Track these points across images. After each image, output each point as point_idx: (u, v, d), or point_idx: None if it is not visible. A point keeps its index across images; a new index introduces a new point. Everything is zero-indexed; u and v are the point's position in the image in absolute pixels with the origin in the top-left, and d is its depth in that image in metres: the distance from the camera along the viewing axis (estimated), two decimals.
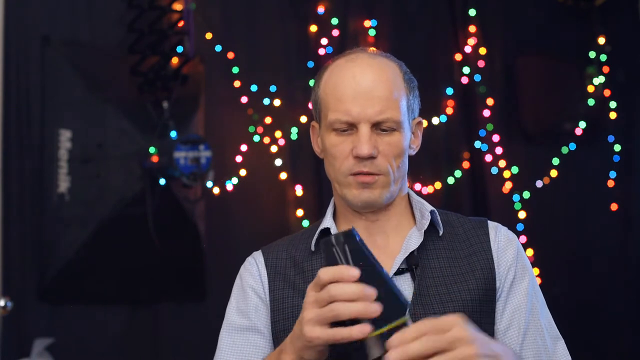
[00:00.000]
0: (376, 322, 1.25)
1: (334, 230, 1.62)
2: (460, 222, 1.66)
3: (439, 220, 1.62)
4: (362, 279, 1.25)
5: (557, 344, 1.59)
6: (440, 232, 1.61)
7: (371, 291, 1.23)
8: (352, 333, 1.24)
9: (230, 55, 3.83)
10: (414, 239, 1.60)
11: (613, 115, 4.38)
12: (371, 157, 1.53)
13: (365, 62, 1.59)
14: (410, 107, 1.61)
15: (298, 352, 1.35)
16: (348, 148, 1.55)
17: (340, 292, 1.24)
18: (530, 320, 1.57)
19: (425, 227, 1.60)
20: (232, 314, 1.64)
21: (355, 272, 1.24)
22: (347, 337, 1.25)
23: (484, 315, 1.54)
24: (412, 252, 1.58)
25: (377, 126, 1.55)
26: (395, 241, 1.61)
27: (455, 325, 1.23)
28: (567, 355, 1.59)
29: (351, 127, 1.55)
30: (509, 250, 1.61)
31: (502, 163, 4.17)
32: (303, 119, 3.90)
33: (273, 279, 1.62)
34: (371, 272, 1.26)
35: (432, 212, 1.62)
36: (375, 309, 1.23)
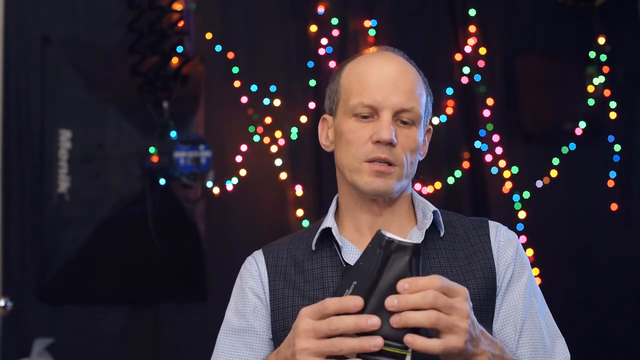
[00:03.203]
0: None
1: (335, 230, 1.61)
2: (461, 222, 1.66)
3: (441, 221, 1.62)
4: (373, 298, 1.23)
5: (556, 342, 1.59)
6: (442, 233, 1.61)
7: (374, 321, 1.22)
8: None
9: (230, 55, 3.83)
10: (414, 238, 1.59)
11: (613, 115, 4.38)
12: (390, 144, 1.54)
13: (392, 56, 1.62)
14: (427, 109, 1.63)
15: None
16: (367, 134, 1.55)
17: (342, 325, 1.23)
18: (527, 318, 1.57)
19: (427, 226, 1.60)
20: (231, 314, 1.64)
21: (359, 301, 1.22)
22: None
23: (484, 315, 1.54)
24: None
25: (398, 117, 1.56)
26: None
27: (461, 296, 1.27)
28: (566, 353, 1.58)
29: (372, 114, 1.55)
30: (508, 249, 1.61)
31: (502, 163, 4.17)
32: (303, 119, 3.90)
33: (273, 278, 1.62)
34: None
35: (434, 213, 1.62)
36: (378, 343, 1.22)
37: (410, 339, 1.22)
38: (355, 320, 1.21)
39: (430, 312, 1.22)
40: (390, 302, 1.22)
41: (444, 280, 1.25)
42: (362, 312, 1.22)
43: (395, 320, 1.22)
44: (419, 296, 1.22)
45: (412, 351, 1.24)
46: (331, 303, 1.24)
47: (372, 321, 1.21)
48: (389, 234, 1.25)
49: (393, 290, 1.23)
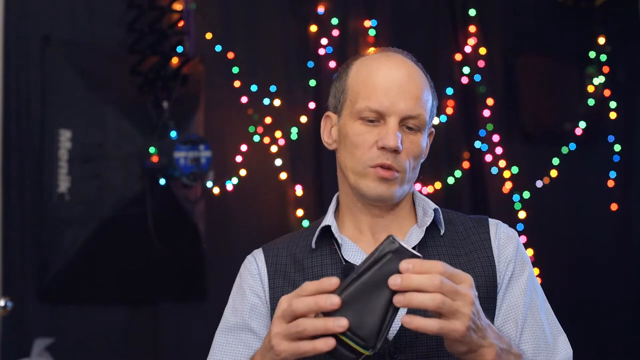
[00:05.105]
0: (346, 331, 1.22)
1: (335, 228, 1.61)
2: (461, 220, 1.66)
3: (442, 219, 1.62)
4: (356, 293, 1.22)
5: (558, 338, 1.58)
6: (442, 232, 1.62)
7: (334, 300, 1.21)
8: (315, 346, 1.23)
9: (230, 55, 3.83)
10: (414, 235, 1.60)
11: (613, 115, 4.38)
12: (395, 151, 1.54)
13: (401, 59, 1.61)
14: (432, 113, 1.63)
15: None
16: (373, 139, 1.55)
17: (299, 305, 1.23)
18: (529, 315, 1.57)
19: (427, 224, 1.60)
20: (228, 313, 1.64)
21: (334, 280, 1.22)
22: (311, 350, 1.24)
23: (485, 312, 1.53)
24: (412, 248, 1.57)
25: (404, 123, 1.55)
26: None
27: (466, 283, 1.27)
28: (568, 349, 1.58)
29: (379, 118, 1.55)
30: (509, 247, 1.61)
31: (502, 163, 4.17)
32: (303, 119, 3.90)
33: (273, 276, 1.62)
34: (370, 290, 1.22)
35: (435, 210, 1.62)
36: (341, 324, 1.21)
37: (408, 319, 1.23)
38: (314, 300, 1.22)
39: (436, 295, 1.22)
40: (394, 280, 1.22)
41: (447, 267, 1.26)
42: (341, 306, 1.21)
43: (398, 300, 1.22)
44: (427, 278, 1.22)
45: (375, 353, 1.23)
46: (309, 284, 1.25)
47: (332, 300, 1.22)
48: (398, 240, 1.25)
49: (379, 286, 1.22)
